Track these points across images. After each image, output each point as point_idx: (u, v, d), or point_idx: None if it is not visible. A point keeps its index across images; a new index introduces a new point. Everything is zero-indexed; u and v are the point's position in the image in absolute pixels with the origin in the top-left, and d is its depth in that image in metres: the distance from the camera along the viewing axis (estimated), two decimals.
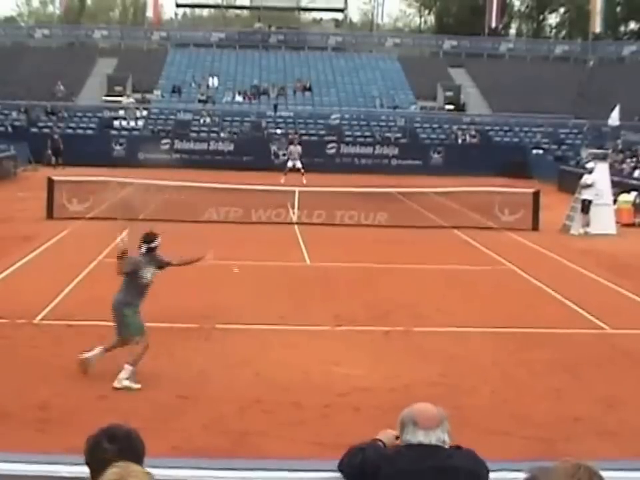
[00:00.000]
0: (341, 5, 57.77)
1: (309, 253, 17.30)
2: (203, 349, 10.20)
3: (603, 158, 23.09)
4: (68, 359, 9.46)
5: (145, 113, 43.46)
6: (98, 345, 9.15)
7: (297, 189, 22.32)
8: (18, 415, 7.86)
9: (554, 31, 71.21)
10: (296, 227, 20.66)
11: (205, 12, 70.84)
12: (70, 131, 40.77)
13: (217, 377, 9.16)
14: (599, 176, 21.77)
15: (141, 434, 3.07)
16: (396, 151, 40.70)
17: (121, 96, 45.55)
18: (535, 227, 21.42)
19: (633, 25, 65.61)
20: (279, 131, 41.94)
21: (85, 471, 3.02)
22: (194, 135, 41.26)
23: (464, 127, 43.44)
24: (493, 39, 54.87)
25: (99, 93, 46.13)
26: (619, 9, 63.81)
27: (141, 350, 8.86)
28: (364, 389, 8.86)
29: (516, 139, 43.12)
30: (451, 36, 55.22)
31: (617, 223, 22.16)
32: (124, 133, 41.35)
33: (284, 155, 39.70)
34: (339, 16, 60.91)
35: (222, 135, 41.35)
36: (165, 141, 39.90)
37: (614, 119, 32.56)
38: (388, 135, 42.18)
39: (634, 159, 33.20)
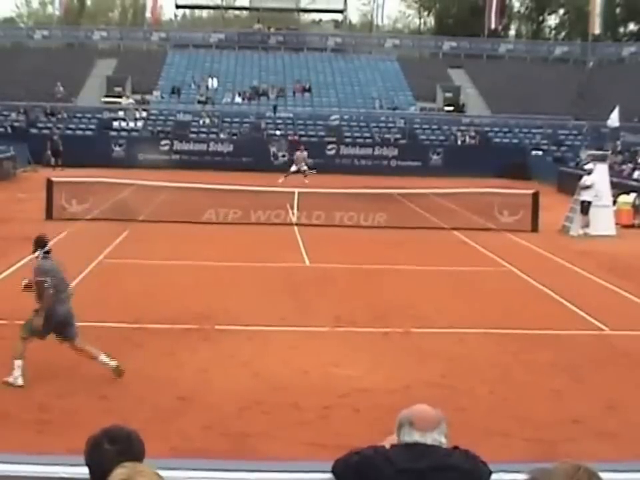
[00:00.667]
0: (340, 6, 57.83)
1: (309, 254, 17.30)
2: (203, 350, 10.19)
3: (603, 159, 23.09)
4: (67, 360, 9.46)
5: (144, 113, 43.47)
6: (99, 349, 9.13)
7: (296, 190, 22.32)
8: (18, 415, 7.87)
9: (553, 32, 71.28)
10: (295, 228, 20.66)
11: (205, 13, 70.91)
12: (69, 131, 40.78)
13: (216, 378, 9.16)
14: (599, 177, 21.78)
15: (140, 435, 3.07)
16: (395, 152, 40.72)
17: (120, 97, 45.57)
18: (535, 228, 21.42)
19: (632, 26, 65.64)
20: (278, 132, 41.96)
21: (84, 472, 3.02)
22: (193, 135, 41.28)
23: (463, 128, 43.46)
24: (492, 40, 54.91)
25: (98, 93, 46.15)
26: (618, 10, 63.85)
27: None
28: (363, 390, 8.86)
29: (515, 140, 43.14)
30: (450, 37, 55.25)
31: (617, 224, 22.16)
32: (123, 133, 41.36)
33: (283, 156, 39.75)
34: (339, 17, 60.98)
35: (221, 136, 41.37)
36: (164, 141, 39.92)
37: (613, 120, 32.54)
38: (387, 136, 42.20)
39: (632, 162, 33.22)
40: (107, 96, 46.28)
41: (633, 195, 24.49)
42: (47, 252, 9.17)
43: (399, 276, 15.27)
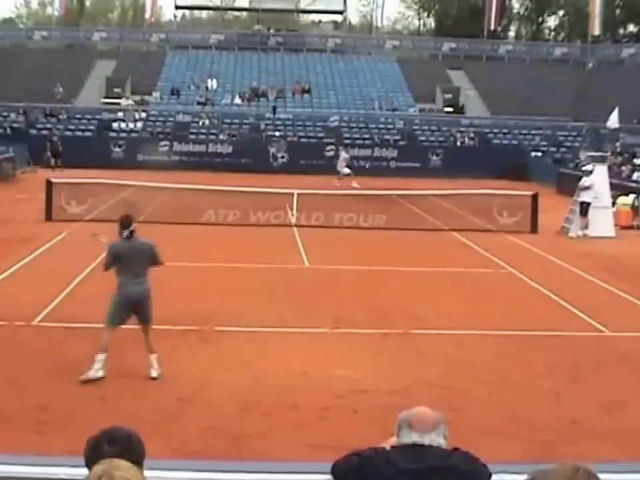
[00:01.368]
0: (340, 7, 57.83)
1: (308, 255, 17.30)
2: (202, 351, 10.19)
3: (602, 160, 23.11)
4: (67, 361, 9.48)
5: (143, 114, 43.47)
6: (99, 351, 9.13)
7: (295, 191, 22.32)
8: (17, 417, 7.86)
9: (553, 33, 71.26)
10: (295, 229, 20.66)
11: (204, 14, 70.81)
12: (69, 132, 40.78)
13: (216, 380, 9.16)
14: (598, 178, 21.79)
15: (140, 436, 3.08)
16: (395, 154, 40.71)
17: (119, 98, 45.56)
18: (534, 229, 21.43)
19: (632, 28, 65.65)
20: (277, 133, 41.96)
21: (84, 473, 3.02)
22: (193, 136, 41.28)
23: (463, 129, 43.47)
24: (492, 41, 54.93)
25: (97, 94, 46.14)
26: (617, 11, 63.85)
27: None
28: (363, 391, 8.86)
29: (515, 142, 43.14)
30: (450, 38, 55.23)
31: (616, 225, 22.17)
32: (123, 134, 41.36)
33: (282, 157, 39.75)
34: (338, 18, 60.99)
35: (221, 137, 41.37)
36: (163, 142, 39.91)
37: (613, 121, 32.55)
38: (387, 137, 42.20)
39: (632, 163, 33.23)
40: (106, 97, 46.29)
41: (632, 196, 24.52)
42: (130, 232, 9.22)
43: (398, 277, 15.27)
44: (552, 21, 71.82)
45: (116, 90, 46.34)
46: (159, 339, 9.54)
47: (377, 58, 53.06)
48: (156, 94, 46.37)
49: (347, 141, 41.17)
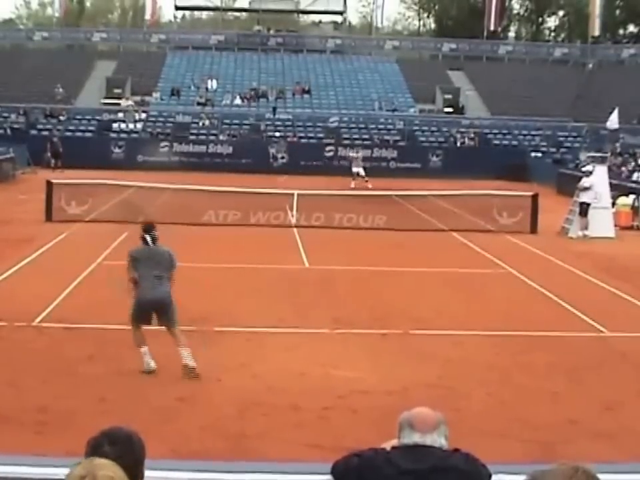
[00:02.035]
0: (340, 8, 57.85)
1: (308, 255, 17.30)
2: (201, 352, 10.19)
3: (602, 161, 23.11)
4: (67, 362, 9.48)
5: (143, 115, 43.48)
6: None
7: (295, 192, 22.33)
8: (17, 417, 7.86)
9: (553, 34, 71.27)
10: (295, 229, 20.67)
11: (204, 14, 70.79)
12: (69, 133, 40.79)
13: (215, 380, 9.17)
14: (598, 179, 21.79)
15: (140, 436, 3.08)
16: (395, 154, 40.72)
17: (120, 98, 45.55)
18: (534, 229, 21.43)
19: (632, 28, 65.67)
20: (277, 134, 41.97)
21: None
22: (193, 137, 41.29)
23: (463, 129, 43.47)
24: (492, 41, 54.92)
25: (97, 95, 46.15)
26: (617, 12, 63.86)
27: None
28: (362, 392, 8.86)
29: (515, 142, 43.15)
30: (450, 39, 55.23)
31: (616, 226, 22.17)
32: (123, 135, 41.38)
33: (282, 157, 39.76)
34: (338, 19, 60.99)
35: (221, 137, 41.38)
36: (163, 143, 39.91)
37: (613, 121, 32.55)
38: (387, 137, 42.21)
39: (632, 164, 33.24)
40: (106, 97, 46.27)
41: (632, 197, 24.51)
42: (146, 238, 9.41)
43: (398, 278, 15.27)
44: (552, 22, 71.93)
45: (116, 90, 46.33)
46: (159, 339, 9.54)
47: (377, 58, 53.06)
48: (156, 94, 46.39)
49: (346, 142, 41.19)
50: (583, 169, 23.45)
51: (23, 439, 7.22)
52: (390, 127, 43.60)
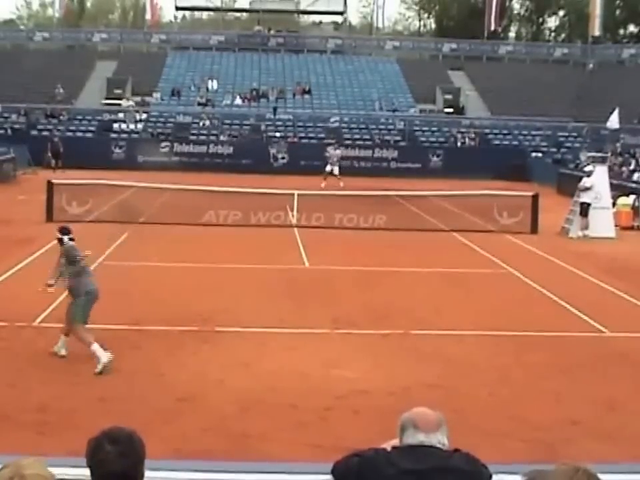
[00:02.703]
0: (340, 8, 57.81)
1: (308, 255, 17.30)
2: (202, 352, 10.20)
3: (602, 161, 23.11)
4: (67, 362, 9.49)
5: (144, 115, 43.47)
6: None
7: (295, 192, 22.33)
8: (17, 417, 7.87)
9: (553, 34, 71.24)
10: (295, 229, 20.67)
11: (204, 15, 70.76)
12: (70, 133, 40.77)
13: (216, 380, 9.17)
14: (598, 179, 21.79)
15: (140, 436, 3.08)
16: (395, 154, 40.72)
17: (120, 99, 45.54)
18: (534, 230, 21.43)
19: (632, 28, 65.64)
20: (278, 134, 41.97)
21: (84, 473, 3.02)
22: (193, 137, 41.28)
23: (463, 130, 43.45)
24: (492, 41, 54.91)
25: (98, 95, 46.13)
26: (618, 12, 63.84)
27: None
28: (363, 392, 8.86)
29: (515, 142, 43.14)
30: (450, 39, 55.20)
31: (616, 226, 22.16)
32: (123, 135, 41.36)
33: (282, 157, 39.76)
34: (339, 19, 61.02)
35: (221, 137, 41.37)
36: (164, 143, 39.90)
37: (613, 122, 32.56)
38: (387, 138, 42.20)
39: (632, 164, 33.24)
40: (107, 98, 46.25)
41: (632, 197, 24.51)
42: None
43: (398, 278, 15.28)
44: (552, 22, 71.89)
45: (116, 91, 46.30)
46: (159, 340, 9.54)
47: (378, 58, 53.05)
48: (156, 95, 46.38)
49: (347, 142, 41.18)
50: (584, 169, 23.44)
51: (23, 438, 7.23)
52: (390, 127, 43.60)
